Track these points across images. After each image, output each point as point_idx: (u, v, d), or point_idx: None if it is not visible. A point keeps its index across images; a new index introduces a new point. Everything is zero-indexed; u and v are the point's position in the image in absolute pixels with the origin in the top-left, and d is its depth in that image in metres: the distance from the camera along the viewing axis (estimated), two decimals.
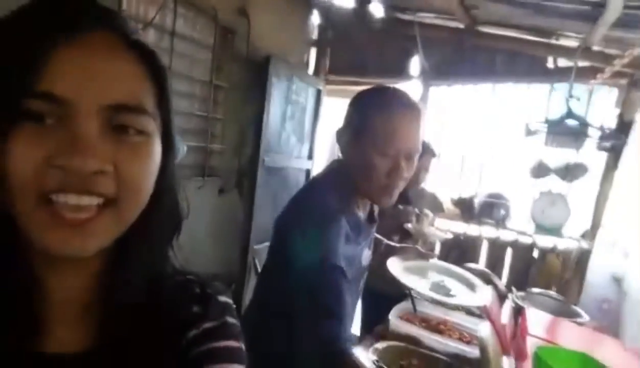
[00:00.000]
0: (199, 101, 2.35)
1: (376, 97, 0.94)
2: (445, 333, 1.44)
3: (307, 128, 3.16)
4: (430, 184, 3.13)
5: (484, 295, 1.23)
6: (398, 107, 0.90)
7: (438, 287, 1.24)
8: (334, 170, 1.02)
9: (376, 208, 1.11)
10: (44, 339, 0.39)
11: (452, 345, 1.33)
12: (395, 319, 1.46)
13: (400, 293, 1.55)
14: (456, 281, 1.34)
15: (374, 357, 1.21)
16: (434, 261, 1.45)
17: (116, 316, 0.42)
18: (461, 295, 1.23)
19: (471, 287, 1.33)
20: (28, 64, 0.33)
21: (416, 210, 2.00)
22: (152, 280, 0.45)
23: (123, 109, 0.37)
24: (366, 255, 1.11)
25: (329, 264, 0.84)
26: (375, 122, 0.89)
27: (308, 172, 3.27)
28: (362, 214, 1.02)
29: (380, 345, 1.32)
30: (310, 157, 3.25)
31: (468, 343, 1.38)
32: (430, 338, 1.36)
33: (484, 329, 1.20)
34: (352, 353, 0.84)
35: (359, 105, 0.95)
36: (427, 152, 2.04)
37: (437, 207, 2.21)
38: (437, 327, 1.47)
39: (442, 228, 2.54)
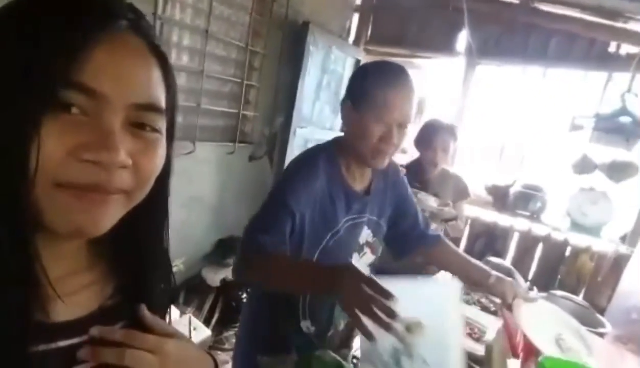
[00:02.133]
0: (234, 66, 2.34)
1: (376, 70, 1.04)
2: None
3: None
4: (458, 167, 3.04)
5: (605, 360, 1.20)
6: (395, 80, 1.01)
7: (565, 347, 1.21)
8: (333, 140, 1.12)
9: (375, 182, 1.16)
10: (47, 311, 0.42)
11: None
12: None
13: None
14: (571, 334, 1.31)
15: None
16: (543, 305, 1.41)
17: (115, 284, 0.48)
18: (587, 360, 1.19)
19: (584, 342, 1.30)
20: (70, 55, 0.34)
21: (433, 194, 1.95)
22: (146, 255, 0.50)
23: (146, 108, 0.40)
24: (365, 234, 1.15)
25: (278, 198, 1.00)
26: (374, 92, 0.99)
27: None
28: (358, 186, 1.11)
29: None
30: (342, 129, 3.20)
31: (477, 340, 1.37)
32: None
33: (492, 332, 1.18)
34: (265, 247, 0.93)
35: (360, 77, 1.05)
36: (448, 133, 1.97)
37: (460, 192, 2.10)
38: None
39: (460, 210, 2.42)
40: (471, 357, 1.24)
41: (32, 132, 0.34)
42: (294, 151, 2.68)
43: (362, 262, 1.18)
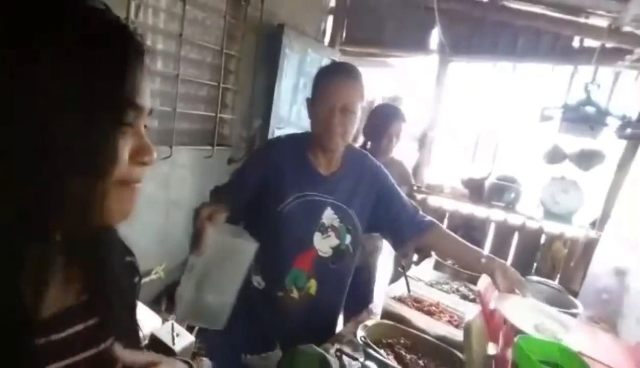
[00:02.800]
0: (210, 69, 2.34)
1: (326, 68, 1.29)
2: (436, 315, 1.47)
3: None
4: (435, 162, 3.11)
5: (581, 337, 1.26)
6: (336, 71, 1.23)
7: (545, 329, 1.27)
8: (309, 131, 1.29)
9: (344, 169, 1.30)
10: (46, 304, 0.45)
11: (440, 327, 1.36)
12: (388, 298, 1.50)
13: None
14: (552, 321, 1.36)
15: (362, 333, 1.26)
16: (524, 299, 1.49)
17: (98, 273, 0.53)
18: (567, 339, 1.24)
19: (563, 325, 1.35)
20: (129, 82, 0.43)
21: None
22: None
23: (149, 113, 0.49)
24: (329, 216, 1.28)
25: (239, 168, 1.27)
26: (320, 83, 1.21)
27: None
28: (323, 170, 1.27)
29: (370, 322, 1.37)
30: None
31: (457, 326, 1.41)
32: (420, 319, 1.39)
33: (470, 314, 1.22)
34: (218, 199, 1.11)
35: (316, 76, 1.25)
36: (399, 117, 1.95)
37: (404, 179, 2.08)
38: (428, 309, 1.50)
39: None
40: (451, 343, 1.28)
41: (112, 145, 0.43)
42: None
43: (324, 242, 1.29)
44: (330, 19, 3.18)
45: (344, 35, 3.17)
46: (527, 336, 1.16)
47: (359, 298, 1.74)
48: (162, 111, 2.10)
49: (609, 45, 2.18)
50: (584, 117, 1.78)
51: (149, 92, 0.47)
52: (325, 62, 3.06)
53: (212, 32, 2.30)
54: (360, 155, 1.40)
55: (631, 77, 2.42)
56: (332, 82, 1.19)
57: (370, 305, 1.66)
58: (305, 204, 1.25)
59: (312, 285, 1.34)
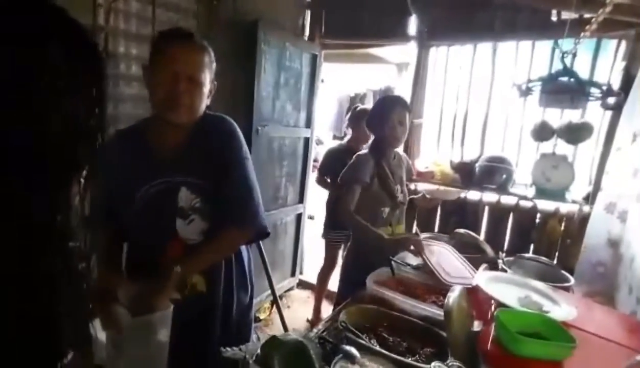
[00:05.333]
0: None
1: (167, 32, 1.17)
2: (421, 296, 1.44)
3: (304, 95, 3.11)
4: (424, 150, 3.09)
5: (569, 309, 1.23)
6: (182, 38, 1.12)
7: (529, 303, 1.24)
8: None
9: (195, 139, 1.18)
10: None
11: (423, 308, 1.33)
12: (371, 283, 1.47)
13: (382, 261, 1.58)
14: (537, 295, 1.34)
15: (343, 318, 1.23)
16: (508, 275, 1.51)
17: None
18: (553, 311, 1.21)
19: (549, 298, 1.33)
20: None
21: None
22: None
23: None
24: (185, 197, 1.16)
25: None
26: (159, 50, 1.12)
27: (307, 140, 3.25)
28: (167, 149, 1.16)
29: (352, 307, 1.35)
30: (308, 125, 3.22)
31: (442, 306, 1.38)
32: (403, 301, 1.37)
33: (451, 294, 1.20)
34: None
35: (155, 41, 1.16)
36: (403, 105, 1.89)
37: (410, 171, 2.11)
38: (413, 291, 1.47)
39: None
40: (435, 323, 1.25)
41: None
42: (259, 150, 2.68)
43: (189, 228, 1.18)
44: (309, 13, 3.17)
45: (323, 28, 3.15)
46: (507, 309, 1.14)
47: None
48: (140, 115, 2.09)
49: (586, 15, 2.14)
50: (562, 88, 1.74)
51: None
52: (306, 56, 3.05)
53: None
54: (217, 120, 1.23)
55: (613, 46, 2.39)
56: (177, 48, 1.09)
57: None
58: (155, 195, 1.14)
59: (198, 281, 1.21)
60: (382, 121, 1.88)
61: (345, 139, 2.97)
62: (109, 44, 1.96)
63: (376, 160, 1.89)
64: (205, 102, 1.17)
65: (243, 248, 1.36)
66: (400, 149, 2.09)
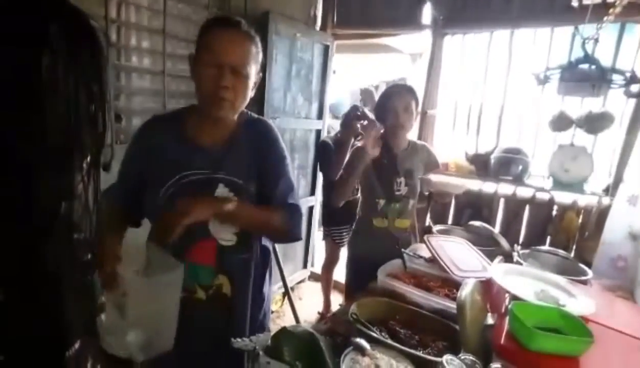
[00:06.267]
0: None
1: (208, 21, 1.09)
2: (435, 290, 1.42)
3: (315, 87, 3.09)
4: (438, 140, 3.03)
5: (587, 303, 1.19)
6: (220, 24, 1.06)
7: (546, 296, 1.21)
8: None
9: (238, 137, 1.14)
10: None
11: (436, 301, 1.31)
12: (383, 275, 1.46)
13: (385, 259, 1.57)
14: (554, 288, 1.31)
15: (354, 310, 1.22)
16: (523, 267, 1.46)
17: None
18: (570, 305, 1.18)
19: (566, 291, 1.30)
20: None
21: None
22: None
23: None
24: (221, 193, 1.09)
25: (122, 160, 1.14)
26: (203, 39, 1.05)
27: (318, 132, 3.22)
28: (207, 142, 1.11)
29: (364, 300, 1.33)
30: (320, 116, 3.19)
31: (454, 299, 1.36)
32: (416, 294, 1.35)
33: (464, 289, 1.17)
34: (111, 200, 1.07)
35: (201, 28, 1.08)
36: (407, 92, 1.84)
37: (431, 164, 2.02)
38: (426, 284, 1.45)
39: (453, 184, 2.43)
40: (448, 316, 1.23)
41: None
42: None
43: (223, 228, 1.10)
44: (320, 3, 3.13)
45: (335, 18, 3.10)
46: (522, 302, 1.10)
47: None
48: (152, 108, 2.11)
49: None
50: (583, 76, 1.68)
51: None
52: (318, 47, 3.01)
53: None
54: (258, 123, 1.19)
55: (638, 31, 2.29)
56: (221, 37, 1.02)
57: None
58: (189, 185, 1.06)
59: (224, 283, 1.14)
60: (387, 108, 1.85)
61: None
62: (120, 36, 1.97)
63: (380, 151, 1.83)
64: (250, 95, 1.10)
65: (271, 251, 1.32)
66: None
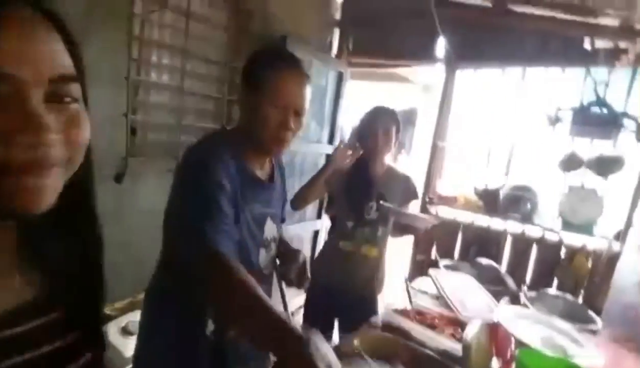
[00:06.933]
0: (215, 83, 2.37)
1: (271, 56, 1.07)
2: (439, 328, 1.39)
3: (328, 112, 3.12)
4: (447, 174, 3.02)
5: (595, 355, 1.18)
6: (288, 66, 1.04)
7: (553, 345, 1.20)
8: (225, 129, 1.13)
9: (276, 171, 1.18)
10: None
11: (441, 341, 1.28)
12: (389, 310, 1.43)
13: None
14: (562, 336, 1.30)
15: (357, 344, 1.19)
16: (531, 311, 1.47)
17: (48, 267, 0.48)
18: (578, 356, 1.17)
19: (574, 340, 1.29)
20: None
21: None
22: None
23: (61, 80, 0.41)
24: (269, 228, 1.13)
25: (203, 180, 0.92)
26: (270, 77, 1.01)
27: (328, 156, 3.23)
28: (259, 173, 1.09)
29: (369, 333, 1.30)
30: (330, 141, 3.21)
31: (459, 340, 1.32)
32: (421, 333, 1.32)
33: (470, 329, 1.14)
34: (224, 254, 0.85)
35: (256, 64, 1.05)
36: (389, 116, 1.82)
37: (409, 194, 1.94)
38: (431, 322, 1.42)
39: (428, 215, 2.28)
40: (452, 358, 1.19)
41: None
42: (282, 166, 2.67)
43: (267, 258, 1.14)
44: (337, 30, 3.19)
45: (351, 46, 3.16)
46: (529, 349, 1.07)
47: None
48: (168, 124, 2.14)
49: (622, 45, 2.08)
50: (595, 119, 1.68)
51: (52, 57, 0.40)
52: (332, 73, 3.06)
53: (216, 46, 2.33)
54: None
55: None
56: (284, 77, 1.01)
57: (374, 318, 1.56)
58: (249, 223, 1.05)
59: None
60: (366, 131, 1.84)
61: None
62: (142, 52, 2.01)
63: (349, 170, 1.84)
64: None
65: None
66: (404, 168, 2.02)
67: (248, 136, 1.03)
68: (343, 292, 1.82)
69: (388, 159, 1.97)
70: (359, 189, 1.82)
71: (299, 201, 1.87)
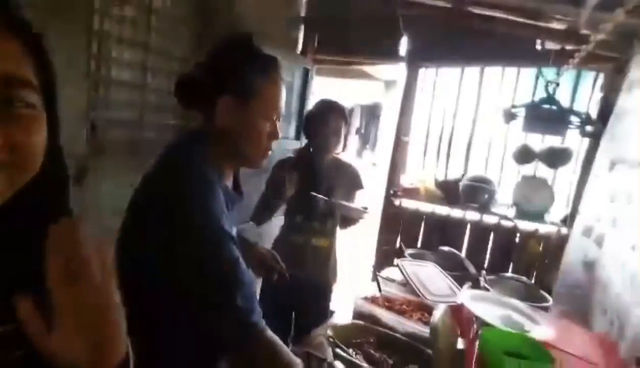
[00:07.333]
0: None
1: (259, 63, 0.94)
2: (407, 313, 1.46)
3: (295, 108, 3.14)
4: (410, 167, 3.14)
5: (548, 329, 1.29)
6: (275, 69, 0.95)
7: (511, 323, 1.28)
8: (196, 137, 0.97)
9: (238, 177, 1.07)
10: None
11: (410, 325, 1.35)
12: (358, 299, 1.49)
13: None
14: (519, 315, 1.39)
15: (330, 333, 1.24)
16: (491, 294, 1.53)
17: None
18: (534, 331, 1.26)
19: (530, 317, 1.38)
20: None
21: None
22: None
23: (8, 84, 0.39)
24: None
25: (220, 232, 0.82)
26: (260, 88, 0.92)
27: (294, 152, 3.27)
28: (229, 183, 1.00)
29: (339, 322, 1.36)
30: (297, 137, 3.24)
31: (427, 323, 1.40)
32: (390, 318, 1.39)
33: (436, 312, 1.22)
34: (265, 327, 0.85)
35: (239, 64, 0.92)
36: (339, 113, 1.80)
37: (355, 183, 1.96)
38: (400, 308, 1.49)
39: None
40: (421, 340, 1.27)
41: None
42: None
43: None
44: (302, 28, 3.21)
45: (316, 44, 3.20)
46: (491, 328, 1.17)
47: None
48: (129, 120, 2.09)
49: (569, 47, 2.25)
50: (545, 115, 1.82)
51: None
52: (298, 70, 3.09)
53: (180, 41, 2.29)
54: None
55: (591, 77, 2.51)
56: (277, 87, 0.96)
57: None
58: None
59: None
60: (315, 128, 1.81)
61: None
62: (101, 47, 1.95)
63: (297, 164, 1.82)
64: None
65: None
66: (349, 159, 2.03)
67: (231, 150, 0.94)
68: (298, 283, 1.81)
69: (352, 154, 2.00)
70: (308, 185, 1.80)
71: (259, 218, 1.87)
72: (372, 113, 6.14)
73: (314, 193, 1.78)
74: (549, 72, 2.34)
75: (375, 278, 1.60)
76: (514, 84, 2.74)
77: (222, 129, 0.92)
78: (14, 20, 0.42)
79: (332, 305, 2.04)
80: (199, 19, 2.31)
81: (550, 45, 2.39)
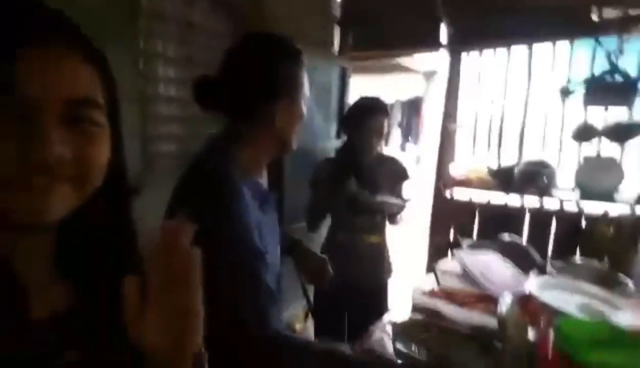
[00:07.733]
0: None
1: (300, 62, 0.99)
2: (470, 305, 1.39)
3: (333, 108, 3.13)
4: (460, 157, 3.01)
5: (631, 313, 1.18)
6: (299, 55, 0.99)
7: (590, 311, 1.20)
8: (223, 139, 1.00)
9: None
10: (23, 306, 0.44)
11: (475, 318, 1.28)
12: (417, 293, 1.43)
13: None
14: (600, 302, 1.29)
15: (389, 329, 1.20)
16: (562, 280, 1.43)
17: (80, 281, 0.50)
18: (618, 318, 1.16)
19: (611, 304, 1.28)
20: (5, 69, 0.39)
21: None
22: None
23: (79, 103, 0.44)
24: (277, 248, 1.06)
25: (244, 247, 0.84)
26: (304, 80, 0.98)
27: (336, 152, 3.25)
28: (263, 181, 1.03)
29: (400, 320, 1.31)
30: (338, 136, 3.23)
31: (492, 315, 1.32)
32: (453, 311, 1.32)
33: (504, 303, 1.15)
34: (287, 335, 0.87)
35: (294, 75, 0.97)
36: (381, 111, 1.77)
37: (399, 175, 1.95)
38: (461, 300, 1.42)
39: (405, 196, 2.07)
40: (488, 333, 1.19)
41: None
42: (289, 162, 2.70)
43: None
44: (337, 28, 3.20)
45: (352, 41, 3.17)
46: (569, 318, 1.07)
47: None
48: (178, 135, 2.18)
49: (632, 12, 2.05)
50: (610, 86, 1.67)
51: (73, 83, 0.43)
52: (335, 70, 3.07)
53: (218, 53, 2.35)
54: None
55: None
56: (302, 69, 1.03)
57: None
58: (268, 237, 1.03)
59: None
60: (357, 127, 1.78)
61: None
62: (147, 65, 2.05)
63: (340, 162, 1.82)
64: None
65: None
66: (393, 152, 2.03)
67: (276, 144, 0.98)
68: (351, 283, 1.79)
69: (396, 148, 1.97)
70: (352, 182, 1.79)
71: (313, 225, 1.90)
72: (413, 107, 6.01)
73: (355, 191, 1.76)
74: (609, 43, 2.15)
75: (432, 270, 1.54)
76: (567, 60, 2.54)
77: (279, 129, 0.96)
78: (90, 51, 0.46)
79: (389, 301, 2.00)
80: (234, 30, 2.37)
81: (609, 13, 2.20)
